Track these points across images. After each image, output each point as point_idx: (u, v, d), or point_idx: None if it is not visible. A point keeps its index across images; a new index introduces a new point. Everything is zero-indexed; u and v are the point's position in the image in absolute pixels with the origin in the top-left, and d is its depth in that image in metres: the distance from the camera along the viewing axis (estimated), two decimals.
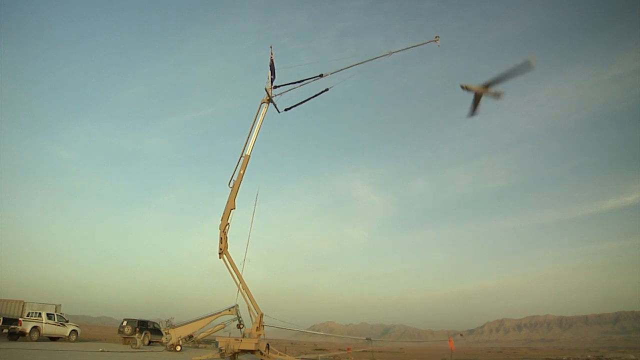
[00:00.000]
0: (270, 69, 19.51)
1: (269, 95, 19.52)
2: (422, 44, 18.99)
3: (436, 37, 18.86)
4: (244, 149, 19.32)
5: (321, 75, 18.94)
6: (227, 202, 18.63)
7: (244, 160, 19.17)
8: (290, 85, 19.40)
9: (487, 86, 16.45)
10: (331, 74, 18.84)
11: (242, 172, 19.02)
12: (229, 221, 18.44)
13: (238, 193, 18.83)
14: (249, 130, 19.44)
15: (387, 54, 19.07)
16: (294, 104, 19.77)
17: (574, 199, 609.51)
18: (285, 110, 19.97)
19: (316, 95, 19.39)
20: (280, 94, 19.72)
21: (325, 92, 19.19)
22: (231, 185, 18.93)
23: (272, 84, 19.48)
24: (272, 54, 19.40)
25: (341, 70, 18.99)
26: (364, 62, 19.14)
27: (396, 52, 19.13)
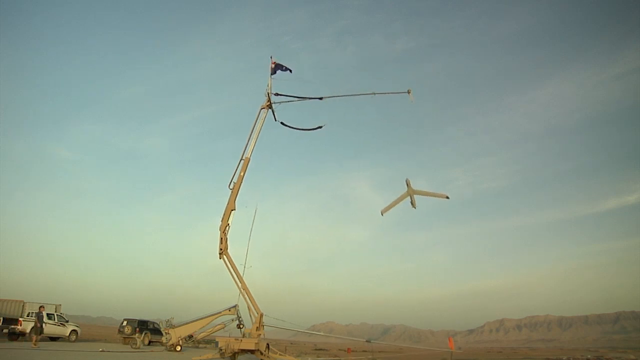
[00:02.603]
0: (272, 73, 20.06)
1: (269, 101, 19.87)
2: (395, 92, 20.97)
3: (408, 90, 20.43)
4: (243, 151, 19.40)
5: (321, 98, 20.39)
6: (228, 203, 18.66)
7: (244, 163, 19.23)
8: (291, 97, 20.27)
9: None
10: (329, 97, 20.63)
11: (242, 174, 19.09)
12: (229, 222, 18.47)
13: (238, 194, 18.87)
14: (249, 134, 19.56)
15: (370, 93, 20.62)
16: (291, 125, 20.55)
17: (574, 198, 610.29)
18: (281, 123, 20.48)
19: (310, 129, 20.69)
20: (280, 102, 20.21)
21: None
22: (231, 187, 18.95)
23: (270, 92, 19.98)
24: (272, 63, 19.98)
25: (338, 96, 20.93)
26: (354, 95, 21.20)
27: (379, 93, 20.72)
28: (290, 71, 20.18)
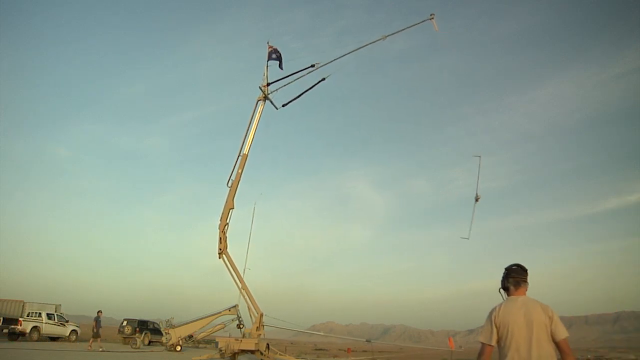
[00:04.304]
0: (269, 59, 18.75)
1: (264, 93, 18.95)
2: (417, 24, 17.81)
3: (431, 15, 17.30)
4: (241, 147, 19.00)
5: (313, 66, 18.36)
6: (226, 201, 18.43)
7: (241, 159, 18.80)
8: (284, 79, 18.83)
9: None
10: (324, 65, 18.19)
11: (240, 171, 18.71)
12: (228, 221, 18.28)
13: (237, 192, 18.62)
14: (246, 129, 19.07)
15: (381, 39, 18.11)
16: (291, 99, 19.28)
17: (574, 198, 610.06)
18: (283, 106, 19.48)
19: (313, 87, 18.92)
20: (277, 89, 19.11)
21: (323, 83, 18.65)
22: (230, 185, 18.68)
23: (267, 81, 18.85)
24: (269, 47, 18.75)
25: (335, 60, 18.31)
26: (357, 49, 18.30)
27: (390, 35, 18.20)
28: (281, 68, 18.57)
